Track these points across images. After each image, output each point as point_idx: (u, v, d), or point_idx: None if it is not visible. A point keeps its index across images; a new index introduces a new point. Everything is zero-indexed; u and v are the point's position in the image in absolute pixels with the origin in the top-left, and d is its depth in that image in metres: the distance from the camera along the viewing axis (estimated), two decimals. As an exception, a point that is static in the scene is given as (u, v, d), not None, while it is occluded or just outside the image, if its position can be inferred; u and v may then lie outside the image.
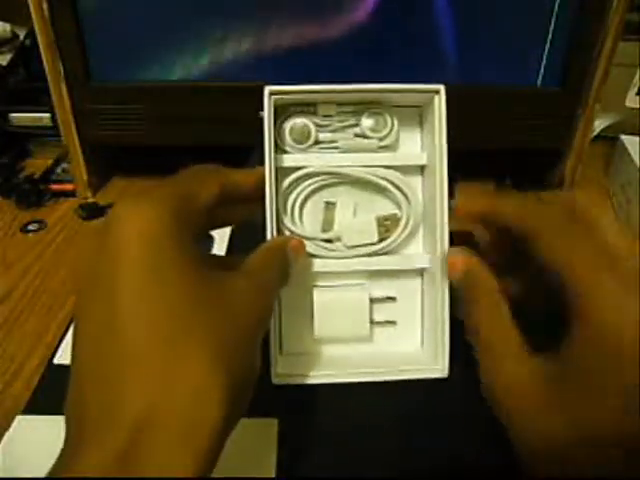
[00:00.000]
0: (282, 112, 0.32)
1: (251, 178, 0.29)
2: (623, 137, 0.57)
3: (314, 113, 0.32)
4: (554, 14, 0.46)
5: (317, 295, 0.33)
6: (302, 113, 0.32)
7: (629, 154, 0.54)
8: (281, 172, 0.32)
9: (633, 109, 0.62)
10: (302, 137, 0.32)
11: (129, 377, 0.18)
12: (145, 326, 0.19)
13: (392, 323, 0.34)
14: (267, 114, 0.30)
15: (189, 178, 0.26)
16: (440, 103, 0.30)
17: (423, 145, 0.33)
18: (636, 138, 0.56)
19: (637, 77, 0.61)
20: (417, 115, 0.34)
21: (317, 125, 0.32)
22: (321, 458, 0.30)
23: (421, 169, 0.33)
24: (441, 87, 0.30)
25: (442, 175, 0.30)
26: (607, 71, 0.48)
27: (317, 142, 0.32)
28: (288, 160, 0.32)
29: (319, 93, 0.30)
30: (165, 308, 0.20)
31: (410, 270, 0.34)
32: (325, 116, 0.32)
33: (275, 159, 0.31)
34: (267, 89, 0.30)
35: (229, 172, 0.28)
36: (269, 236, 0.30)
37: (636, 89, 0.61)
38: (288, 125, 0.32)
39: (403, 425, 0.32)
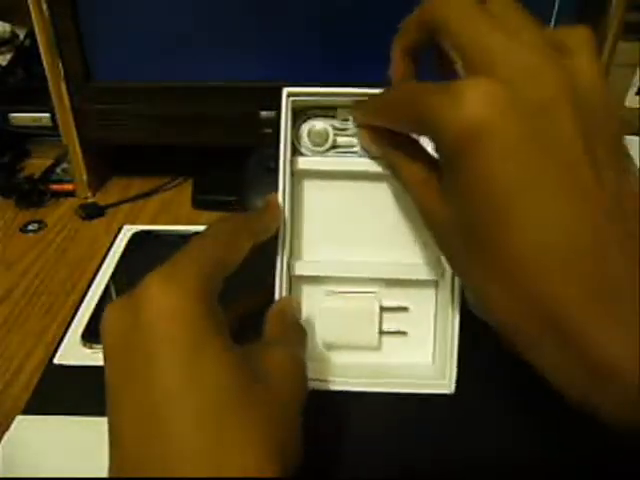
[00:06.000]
0: (300, 114, 0.31)
1: (276, 218, 0.29)
2: (623, 137, 0.57)
3: (333, 116, 0.31)
4: (554, 14, 0.46)
5: (324, 301, 0.33)
6: (321, 116, 0.31)
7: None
8: (297, 175, 0.31)
9: (633, 109, 0.62)
10: (321, 140, 0.31)
11: (176, 468, 0.18)
12: (191, 416, 0.18)
13: (403, 334, 0.33)
14: (284, 116, 0.29)
15: (220, 237, 0.25)
16: None
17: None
18: (636, 138, 0.56)
19: (637, 77, 0.61)
20: None
21: (335, 128, 0.31)
22: (321, 462, 0.30)
23: None
24: None
25: None
26: (607, 71, 0.48)
27: (334, 146, 0.31)
28: (305, 163, 0.31)
29: (336, 95, 0.30)
30: (208, 395, 0.19)
31: (424, 281, 0.33)
32: (344, 120, 0.31)
33: (291, 161, 0.30)
34: (285, 90, 0.29)
35: (256, 220, 0.28)
36: (279, 266, 0.29)
37: (636, 89, 0.61)
38: (306, 127, 0.31)
39: (403, 434, 0.32)
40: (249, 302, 0.28)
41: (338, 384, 0.31)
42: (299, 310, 0.30)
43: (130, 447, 0.19)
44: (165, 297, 0.20)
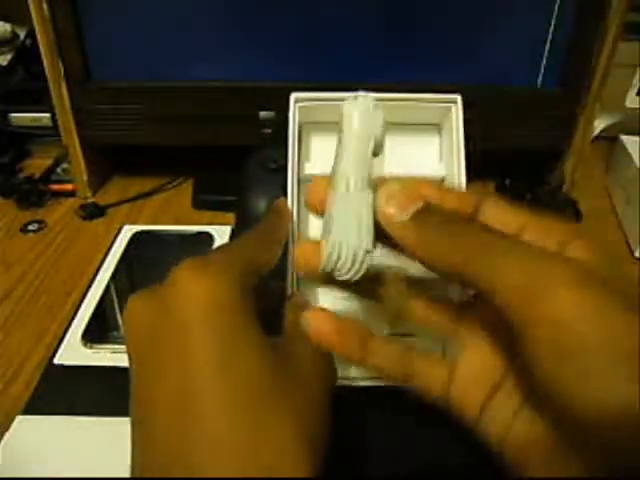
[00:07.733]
0: (306, 127, 0.31)
1: (286, 223, 0.29)
2: (623, 137, 0.57)
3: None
4: (554, 14, 0.46)
5: (333, 304, 0.32)
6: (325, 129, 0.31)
7: (629, 154, 0.54)
8: (304, 179, 0.31)
9: (633, 109, 0.62)
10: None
11: (214, 460, 0.17)
12: (225, 409, 0.18)
13: (410, 336, 0.33)
14: (292, 122, 0.29)
15: (254, 240, 0.25)
16: (457, 113, 0.30)
17: (441, 156, 0.33)
18: (636, 138, 0.56)
19: (637, 77, 0.61)
20: (435, 126, 0.33)
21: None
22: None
23: (440, 181, 0.33)
24: (458, 97, 0.30)
25: (460, 186, 0.30)
26: (607, 71, 0.48)
27: None
28: (312, 168, 0.31)
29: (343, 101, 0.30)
30: (244, 387, 0.19)
31: (429, 279, 0.33)
32: None
33: (299, 166, 0.30)
34: (293, 96, 0.29)
35: (288, 225, 0.28)
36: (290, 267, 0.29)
37: (636, 89, 0.61)
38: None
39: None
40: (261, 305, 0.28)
41: (347, 381, 0.31)
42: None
43: (162, 442, 0.18)
44: (198, 285, 0.20)
